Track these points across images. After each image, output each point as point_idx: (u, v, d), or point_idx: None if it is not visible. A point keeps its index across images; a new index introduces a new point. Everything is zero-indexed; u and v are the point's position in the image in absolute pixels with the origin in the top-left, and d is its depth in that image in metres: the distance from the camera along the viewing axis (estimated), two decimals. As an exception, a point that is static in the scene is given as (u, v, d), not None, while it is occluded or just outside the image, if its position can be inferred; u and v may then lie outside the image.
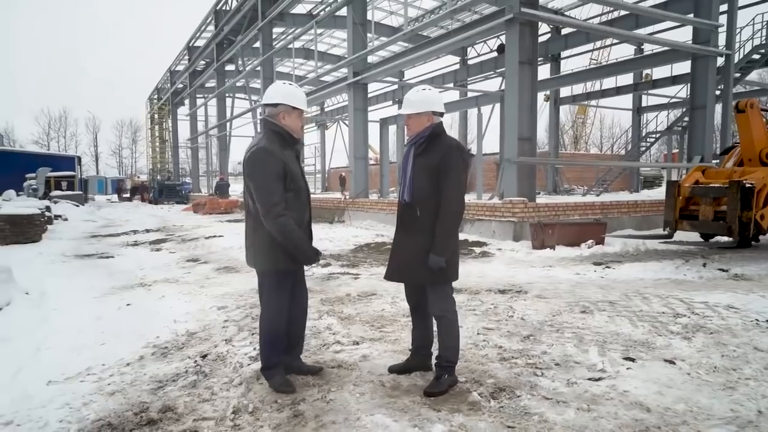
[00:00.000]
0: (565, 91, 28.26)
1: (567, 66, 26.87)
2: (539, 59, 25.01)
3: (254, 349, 3.84)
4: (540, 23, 16.95)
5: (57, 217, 16.48)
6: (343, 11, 16.66)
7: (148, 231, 14.51)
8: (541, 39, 24.43)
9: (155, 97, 43.15)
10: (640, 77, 26.34)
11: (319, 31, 25.35)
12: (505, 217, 9.82)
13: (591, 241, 8.52)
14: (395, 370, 3.37)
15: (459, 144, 3.11)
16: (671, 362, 3.48)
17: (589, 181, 27.56)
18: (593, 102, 34.96)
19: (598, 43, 30.47)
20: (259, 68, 22.44)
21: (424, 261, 2.97)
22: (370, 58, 19.62)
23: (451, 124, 56.83)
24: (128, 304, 5.59)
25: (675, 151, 27.23)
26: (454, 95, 27.39)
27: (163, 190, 34.92)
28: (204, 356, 3.81)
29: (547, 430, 2.59)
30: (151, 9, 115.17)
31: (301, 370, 3.38)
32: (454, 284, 3.21)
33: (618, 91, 26.24)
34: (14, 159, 31.06)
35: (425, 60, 24.01)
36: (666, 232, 7.59)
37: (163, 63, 40.82)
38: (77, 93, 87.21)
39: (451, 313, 3.14)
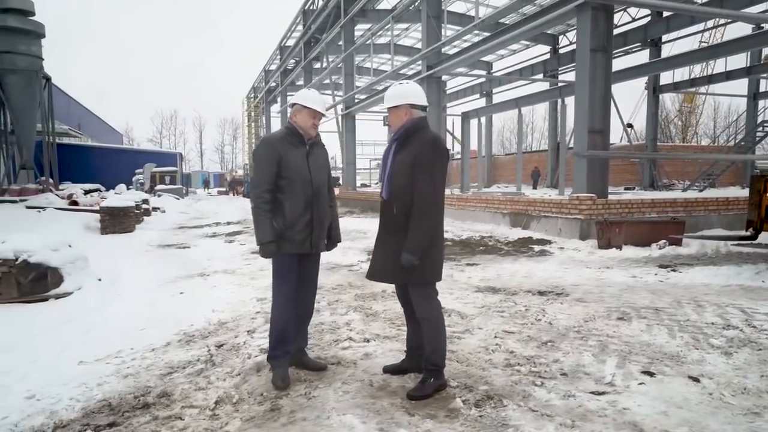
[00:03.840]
0: (666, 78, 26.10)
1: (673, 52, 24.69)
2: (637, 45, 23.60)
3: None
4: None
5: (155, 209, 17.97)
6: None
7: (229, 223, 15.42)
8: (639, 23, 22.89)
9: (252, 95, 45.58)
10: (758, 58, 23.68)
11: (404, 25, 25.49)
12: (572, 214, 9.31)
13: (663, 241, 7.85)
14: (389, 370, 3.33)
15: (437, 138, 2.98)
16: (695, 380, 3.13)
17: (692, 175, 25.29)
18: (701, 89, 31.99)
19: (710, 23, 27.69)
20: (341, 65, 22.94)
21: (399, 260, 2.91)
22: (449, 50, 19.38)
23: (545, 116, 54.97)
24: (181, 293, 5.99)
25: (797, 141, 24.29)
26: (543, 86, 26.31)
27: (255, 184, 36.72)
28: (220, 346, 3.99)
29: (516, 444, 2.45)
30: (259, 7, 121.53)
31: (307, 366, 3.45)
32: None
33: (728, 75, 23.77)
34: (127, 156, 34.29)
35: (504, 48, 23.27)
36: (749, 233, 6.79)
37: (262, 62, 43.20)
38: (188, 93, 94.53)
39: (434, 315, 3.04)
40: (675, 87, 26.77)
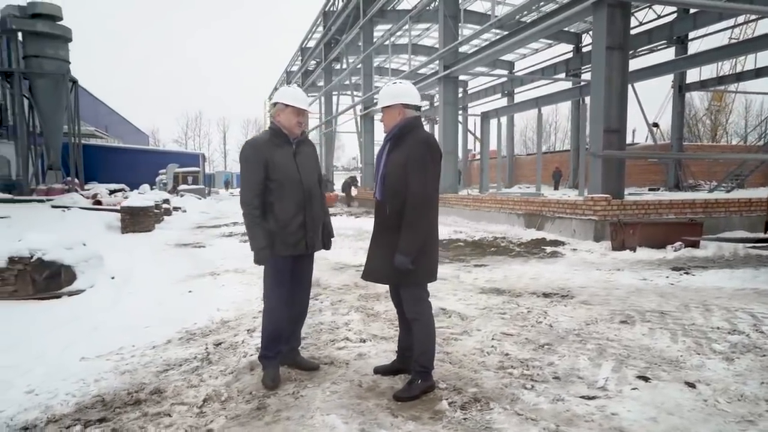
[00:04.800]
0: (694, 77, 25.46)
1: (700, 49, 24.01)
2: (663, 42, 23.10)
3: (267, 340, 4.01)
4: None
5: (176, 209, 18.25)
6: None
7: (246, 223, 15.56)
8: (665, 20, 22.41)
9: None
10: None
11: (425, 25, 25.45)
12: (586, 215, 9.16)
13: (679, 243, 7.66)
14: (380, 371, 3.33)
15: (429, 138, 2.97)
16: (691, 385, 3.05)
17: (720, 175, 24.63)
18: (731, 87, 31.09)
19: (741, 18, 26.81)
20: (360, 65, 23.01)
21: (391, 261, 2.90)
22: (466, 49, 19.26)
23: (568, 116, 54.23)
24: (190, 291, 6.08)
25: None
26: (567, 85, 25.93)
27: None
28: (218, 344, 4.04)
29: (496, 447, 2.42)
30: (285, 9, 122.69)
31: (300, 365, 3.46)
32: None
33: (758, 72, 23.05)
34: (151, 156, 34.96)
35: (522, 46, 23.00)
36: (767, 236, 6.58)
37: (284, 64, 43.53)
38: (213, 94, 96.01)
39: (425, 316, 3.02)
40: (702, 85, 26.06)
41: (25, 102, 19.50)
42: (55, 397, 3.11)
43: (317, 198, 3.38)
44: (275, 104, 3.29)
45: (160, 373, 3.48)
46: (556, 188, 27.39)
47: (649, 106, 25.09)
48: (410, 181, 2.87)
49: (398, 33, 24.06)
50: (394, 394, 2.96)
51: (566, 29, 26.01)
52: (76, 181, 19.71)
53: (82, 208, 14.42)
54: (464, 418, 2.71)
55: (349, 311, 4.91)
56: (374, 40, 23.15)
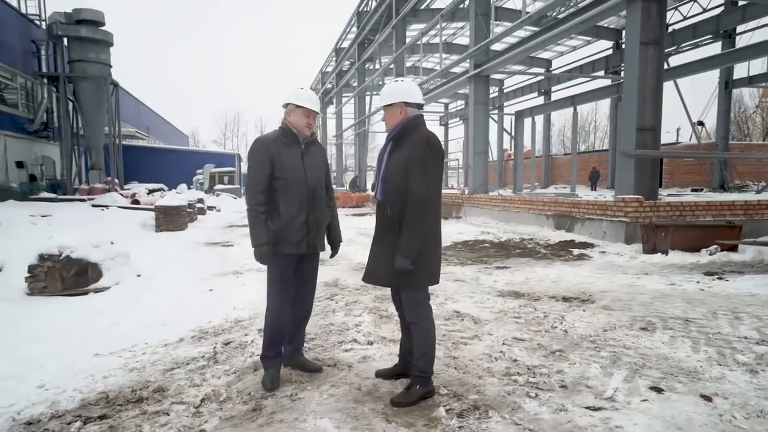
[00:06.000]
0: (742, 72, 24.32)
1: (751, 43, 22.86)
2: (708, 37, 22.18)
3: (275, 340, 4.00)
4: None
5: (211, 208, 18.63)
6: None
7: (277, 222, 15.74)
8: (711, 13, 21.54)
9: (309, 97, 46.35)
10: None
11: (460, 24, 25.21)
12: (617, 216, 8.84)
13: (714, 246, 7.30)
14: (381, 374, 3.27)
15: (431, 136, 2.89)
16: (707, 398, 2.88)
17: (768, 175, 23.48)
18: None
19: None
20: (392, 65, 22.97)
21: (391, 263, 2.84)
22: (500, 47, 18.97)
23: (608, 115, 52.61)
24: (210, 290, 6.16)
25: None
26: (606, 83, 25.19)
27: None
28: (227, 343, 4.06)
29: (488, 458, 2.33)
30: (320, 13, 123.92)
31: (303, 366, 3.45)
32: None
33: (811, 67, 21.87)
34: (189, 157, 35.80)
35: (554, 43, 22.49)
36: (811, 240, 6.21)
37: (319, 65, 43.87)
38: (250, 96, 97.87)
39: (425, 320, 2.95)
40: (750, 81, 24.88)
41: (69, 105, 20.30)
42: (63, 393, 3.17)
43: (321, 199, 3.36)
44: (286, 105, 3.31)
45: (166, 371, 3.52)
46: (593, 189, 26.67)
47: (696, 104, 24.13)
48: (411, 182, 2.81)
49: (431, 32, 23.88)
50: (392, 399, 2.90)
51: (605, 25, 25.36)
52: (116, 180, 20.37)
53: (120, 207, 14.89)
54: (459, 427, 2.62)
55: (361, 313, 4.87)
56: (407, 39, 23.07)
